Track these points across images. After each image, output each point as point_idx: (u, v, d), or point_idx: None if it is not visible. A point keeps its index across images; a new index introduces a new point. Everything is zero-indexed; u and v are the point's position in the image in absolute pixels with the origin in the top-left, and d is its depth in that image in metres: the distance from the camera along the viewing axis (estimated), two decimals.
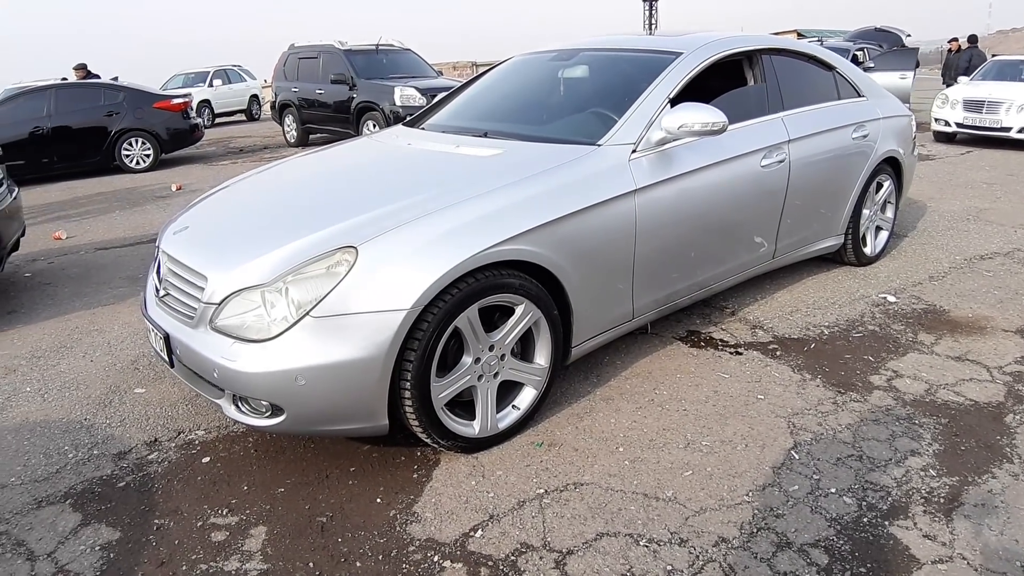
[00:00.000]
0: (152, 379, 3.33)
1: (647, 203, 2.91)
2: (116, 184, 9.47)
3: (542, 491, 2.38)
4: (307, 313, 2.19)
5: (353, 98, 10.84)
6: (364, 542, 2.18)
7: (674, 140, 3.02)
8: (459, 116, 3.77)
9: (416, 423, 2.39)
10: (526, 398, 2.70)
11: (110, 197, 8.49)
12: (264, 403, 2.28)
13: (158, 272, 2.76)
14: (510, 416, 2.67)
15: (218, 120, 19.54)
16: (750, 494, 2.33)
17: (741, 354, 3.37)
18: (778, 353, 3.37)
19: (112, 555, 2.17)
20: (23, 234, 4.92)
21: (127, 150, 10.46)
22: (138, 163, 10.56)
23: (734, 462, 2.52)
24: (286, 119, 12.65)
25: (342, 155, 3.45)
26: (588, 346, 2.92)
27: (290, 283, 2.24)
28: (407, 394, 2.32)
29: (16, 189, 4.89)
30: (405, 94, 10.12)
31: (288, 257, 2.29)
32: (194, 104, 13.28)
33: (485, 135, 3.27)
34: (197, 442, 2.78)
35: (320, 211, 2.55)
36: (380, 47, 11.79)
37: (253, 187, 3.16)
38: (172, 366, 2.57)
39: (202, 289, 2.39)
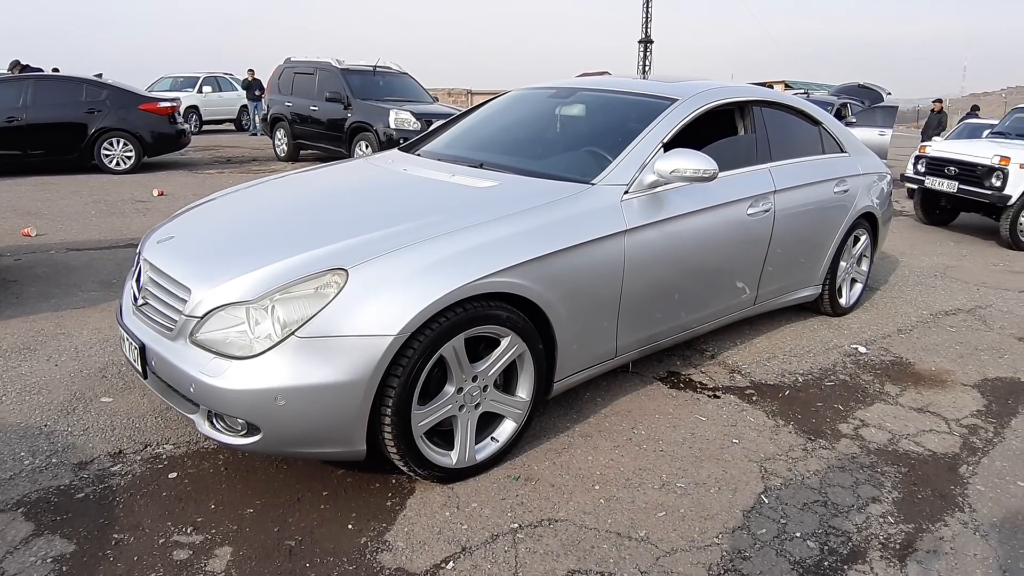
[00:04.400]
0: (121, 388, 3.24)
1: (636, 244, 2.93)
2: (93, 184, 9.31)
3: (516, 525, 2.35)
4: (292, 333, 2.16)
5: (347, 117, 10.84)
6: (333, 568, 2.13)
7: (666, 184, 3.07)
8: (456, 145, 3.79)
9: (394, 450, 2.36)
10: (506, 430, 2.68)
11: (86, 197, 8.34)
12: (240, 421, 2.23)
13: (137, 280, 2.70)
14: (489, 448, 2.64)
15: (206, 128, 19.29)
16: (720, 536, 2.35)
17: (719, 397, 3.40)
18: (754, 398, 3.41)
19: (65, 568, 2.08)
20: None
21: (107, 150, 10.29)
22: (118, 164, 10.37)
23: (706, 504, 2.53)
24: (277, 133, 12.60)
25: (336, 175, 3.44)
26: (571, 381, 2.91)
27: (277, 301, 2.21)
28: (387, 420, 2.29)
29: None
30: (400, 117, 10.15)
31: (277, 275, 2.26)
32: (182, 109, 13.14)
33: (481, 166, 3.28)
34: (165, 456, 2.70)
35: (312, 230, 2.53)
36: (378, 69, 11.84)
37: (244, 201, 3.13)
38: (145, 377, 2.51)
39: (184, 301, 2.34)
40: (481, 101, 4.43)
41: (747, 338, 4.21)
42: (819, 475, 2.75)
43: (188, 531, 2.27)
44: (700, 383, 3.56)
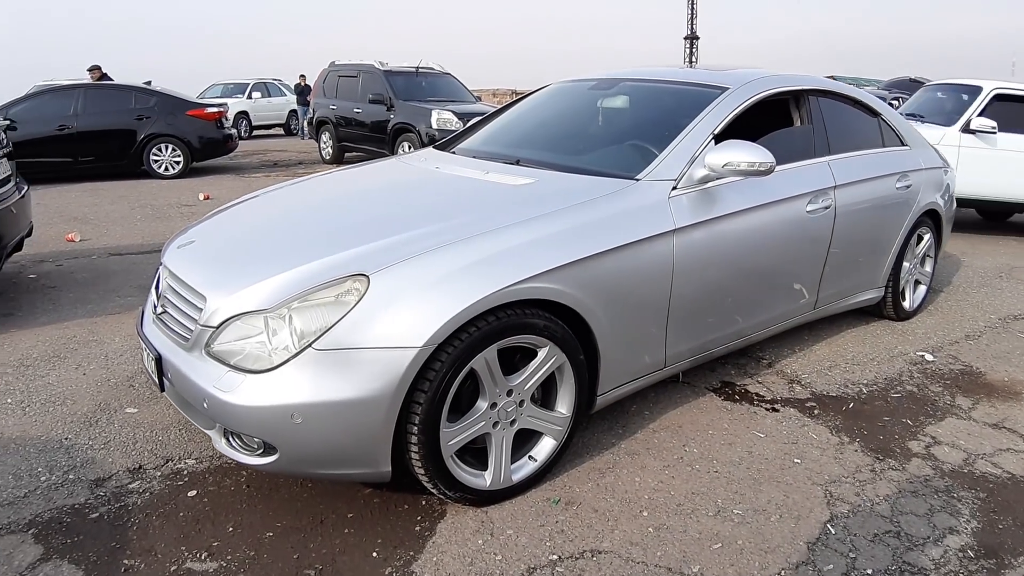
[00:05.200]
0: (148, 399, 3.14)
1: (686, 244, 2.69)
2: (141, 189, 9.43)
3: (555, 557, 2.13)
4: (310, 344, 1.99)
5: (390, 119, 10.80)
6: None
7: (717, 179, 2.82)
8: (491, 142, 3.60)
9: (422, 471, 2.16)
10: (544, 449, 2.47)
11: (133, 202, 8.42)
12: (256, 440, 2.06)
13: (158, 287, 2.58)
14: (526, 468, 2.43)
15: (256, 133, 19.64)
16: (782, 573, 2.10)
17: (777, 411, 3.13)
18: (816, 412, 3.13)
19: None
20: (29, 233, 4.79)
21: (156, 156, 10.44)
22: (167, 169, 10.53)
23: (767, 535, 2.27)
24: (322, 136, 12.69)
25: (366, 175, 3.28)
26: (615, 395, 2.68)
27: (295, 310, 2.04)
28: (414, 439, 2.09)
29: (25, 187, 4.77)
30: (442, 118, 10.06)
31: (295, 282, 2.09)
32: (231, 115, 13.31)
33: (517, 162, 3.08)
34: (186, 472, 2.57)
35: (335, 234, 2.36)
36: (420, 70, 11.79)
37: (269, 204, 2.99)
38: (163, 390, 2.37)
39: (200, 310, 2.20)
40: (519, 96, 4.23)
41: (806, 345, 3.91)
42: (890, 501, 2.47)
43: (202, 557, 2.12)
44: (757, 395, 3.29)
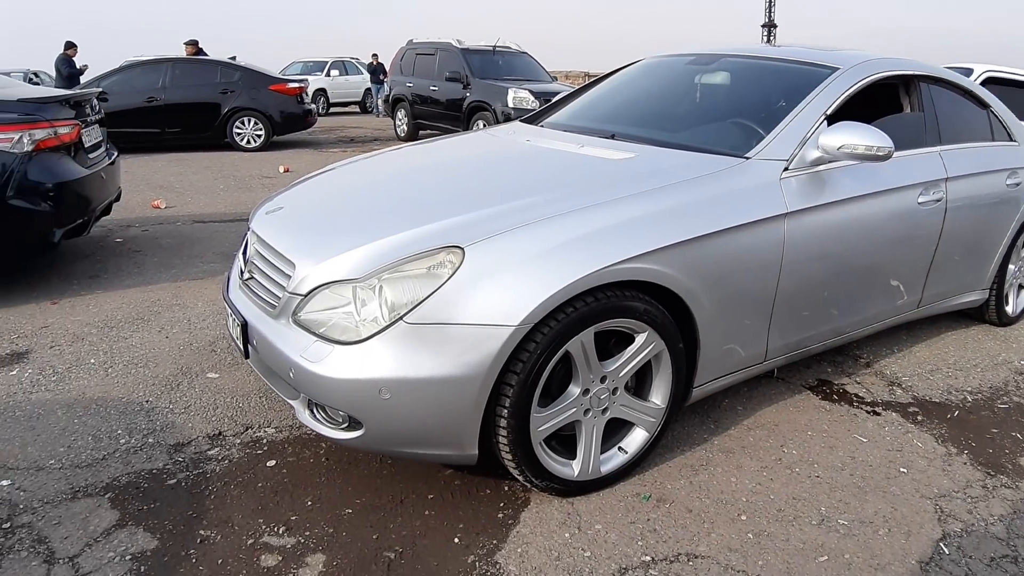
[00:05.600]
0: (229, 364, 3.13)
1: (797, 230, 2.48)
2: (224, 160, 9.64)
3: (648, 558, 1.99)
4: (401, 317, 1.89)
5: (466, 97, 10.76)
6: None
7: (830, 162, 2.60)
8: (582, 116, 3.43)
9: (509, 457, 2.05)
10: (635, 440, 2.32)
11: (216, 172, 8.61)
12: (342, 413, 1.99)
13: (245, 253, 2.54)
14: (615, 459, 2.29)
15: (332, 110, 19.98)
16: None
17: (879, 414, 2.89)
18: (919, 418, 2.88)
19: (143, 569, 1.90)
20: (118, 198, 4.90)
21: (239, 129, 10.68)
22: (249, 142, 10.77)
23: (875, 550, 2.07)
24: (398, 113, 12.81)
25: (453, 147, 3.17)
26: (711, 388, 2.51)
27: (385, 281, 1.94)
28: (503, 423, 1.98)
29: (115, 153, 4.88)
30: (518, 96, 9.95)
31: (386, 252, 2.00)
32: (310, 91, 13.53)
33: (612, 137, 2.91)
34: (265, 441, 2.53)
35: (426, 205, 2.26)
36: (497, 48, 11.69)
37: (357, 173, 2.91)
38: (247, 357, 2.33)
39: (288, 277, 2.13)
40: (593, 78, 4.04)
41: (905, 345, 3.63)
42: (1005, 522, 2.23)
43: (280, 531, 2.06)
44: (856, 396, 3.05)
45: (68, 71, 11.70)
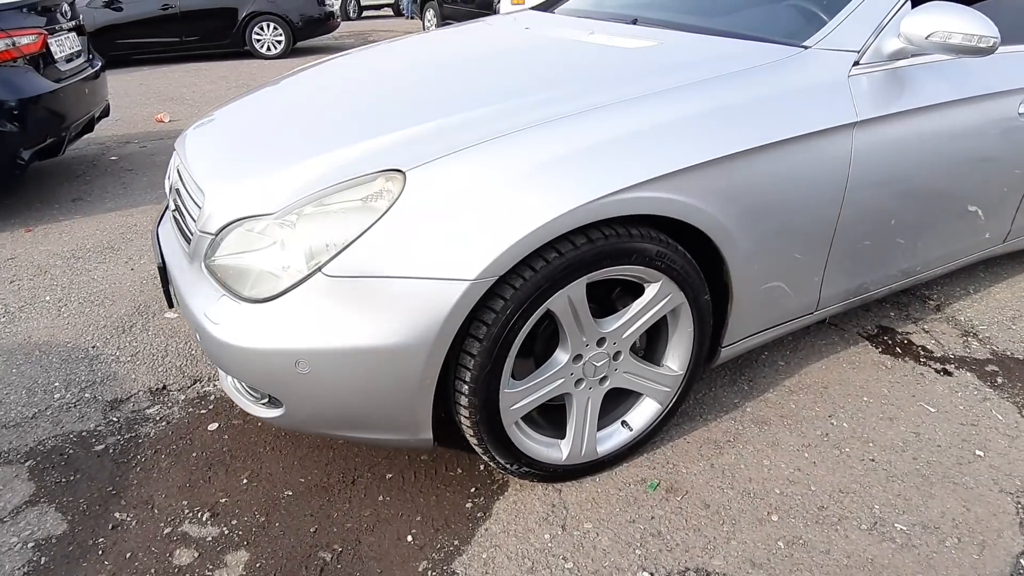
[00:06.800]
0: None
1: (869, 145, 1.89)
2: (243, 69, 9.12)
3: (647, 574, 1.57)
4: (319, 268, 1.43)
5: None
6: None
7: (914, 55, 1.96)
8: (604, 1, 2.81)
9: (475, 441, 1.62)
10: (643, 414, 1.86)
11: (232, 82, 8.12)
12: None
13: (170, 178, 2.09)
14: (617, 437, 1.84)
15: (365, 14, 19.17)
16: None
17: (950, 374, 2.35)
18: (999, 381, 2.32)
19: (43, 560, 1.59)
20: (106, 114, 4.48)
21: (258, 35, 10.09)
22: (269, 49, 10.19)
23: (939, 568, 1.60)
24: (427, 13, 12.33)
25: (436, 42, 2.61)
26: (745, 345, 2.00)
27: (305, 217, 1.47)
28: (464, 400, 1.54)
29: (100, 64, 4.41)
30: None
31: (313, 177, 1.52)
32: None
33: (634, 22, 2.32)
34: (212, 398, 2.16)
35: (379, 117, 1.75)
36: None
37: (317, 78, 2.39)
38: (171, 306, 1.92)
39: (200, 209, 1.68)
40: None
41: (982, 285, 3.00)
42: None
43: (204, 518, 1.70)
44: (923, 348, 2.50)
45: None
